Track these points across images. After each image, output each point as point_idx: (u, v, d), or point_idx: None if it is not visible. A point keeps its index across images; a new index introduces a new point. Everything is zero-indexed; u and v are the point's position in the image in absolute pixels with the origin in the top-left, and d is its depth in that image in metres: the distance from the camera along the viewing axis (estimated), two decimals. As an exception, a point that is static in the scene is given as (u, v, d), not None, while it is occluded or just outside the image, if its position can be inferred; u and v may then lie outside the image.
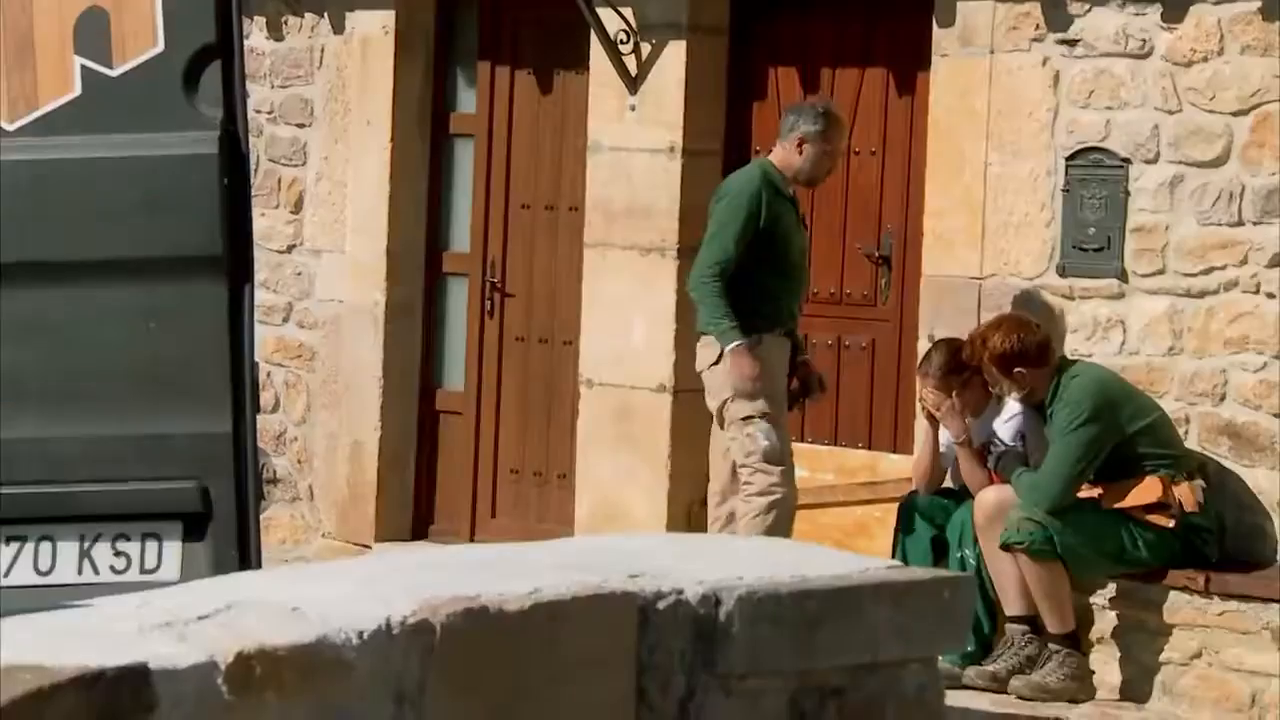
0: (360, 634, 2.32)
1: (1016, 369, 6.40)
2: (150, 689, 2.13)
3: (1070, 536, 6.29)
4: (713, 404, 6.66)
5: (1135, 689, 6.47)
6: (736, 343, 6.51)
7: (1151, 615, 6.45)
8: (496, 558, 2.66)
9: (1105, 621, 6.53)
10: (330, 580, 2.49)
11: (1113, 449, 6.35)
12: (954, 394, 6.63)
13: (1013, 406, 6.61)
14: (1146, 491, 6.37)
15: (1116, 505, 6.38)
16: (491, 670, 2.40)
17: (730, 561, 2.64)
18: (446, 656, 2.35)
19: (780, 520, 6.54)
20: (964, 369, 6.62)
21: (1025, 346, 6.40)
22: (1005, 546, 6.33)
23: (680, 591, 2.53)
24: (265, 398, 8.68)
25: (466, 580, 2.47)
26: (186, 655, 2.20)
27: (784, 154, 6.75)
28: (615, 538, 3.20)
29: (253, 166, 8.70)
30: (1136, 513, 6.38)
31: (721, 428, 6.68)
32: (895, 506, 7.15)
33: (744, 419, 6.54)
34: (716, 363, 6.57)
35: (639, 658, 2.49)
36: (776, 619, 2.55)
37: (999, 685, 6.38)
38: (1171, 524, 6.35)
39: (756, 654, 2.54)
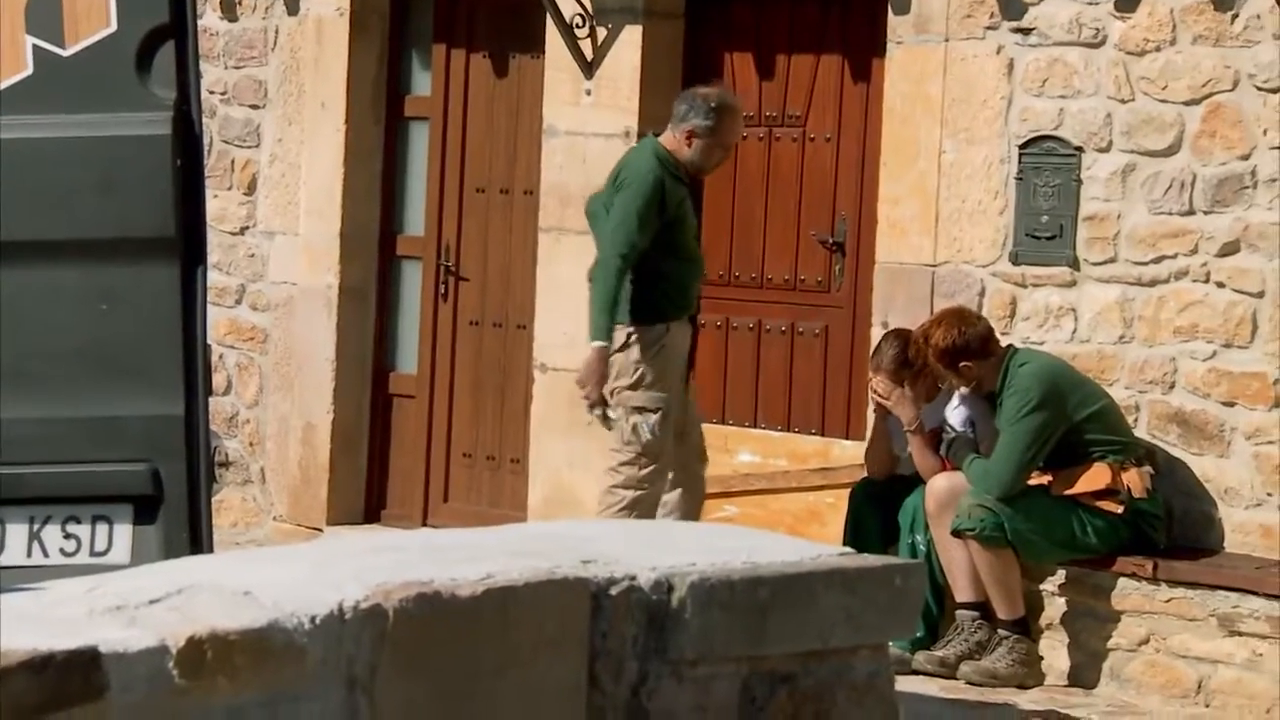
0: (312, 619, 2.31)
1: (962, 363, 6.44)
2: (100, 673, 2.13)
3: (1020, 523, 6.33)
4: (607, 385, 6.60)
5: (1083, 675, 6.51)
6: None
7: (1100, 602, 6.49)
8: (449, 543, 2.66)
9: (1054, 608, 6.57)
10: (283, 564, 2.48)
11: (1062, 436, 6.39)
12: (905, 384, 6.66)
13: (962, 393, 6.65)
14: (1095, 478, 6.41)
15: (1066, 492, 6.42)
16: (443, 655, 2.40)
17: (682, 548, 2.64)
18: (398, 641, 2.35)
19: (643, 516, 6.49)
20: (915, 361, 6.67)
21: (967, 340, 6.43)
22: (956, 533, 6.36)
23: (633, 578, 2.53)
24: (217, 380, 8.65)
25: (419, 565, 2.46)
26: (137, 639, 2.19)
27: (674, 142, 6.57)
28: (568, 524, 3.20)
29: (206, 148, 8.66)
30: (1086, 499, 6.43)
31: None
32: (847, 492, 7.18)
33: (635, 408, 6.50)
34: (621, 350, 6.51)
35: (591, 643, 2.50)
36: (728, 605, 2.56)
37: (948, 670, 6.41)
38: (1120, 510, 6.39)
39: (708, 640, 2.55)
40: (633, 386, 6.50)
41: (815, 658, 2.67)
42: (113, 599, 2.30)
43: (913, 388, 6.66)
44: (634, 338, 6.51)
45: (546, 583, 2.48)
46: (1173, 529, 6.55)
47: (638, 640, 2.53)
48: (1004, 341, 6.72)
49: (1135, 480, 6.37)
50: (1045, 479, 6.44)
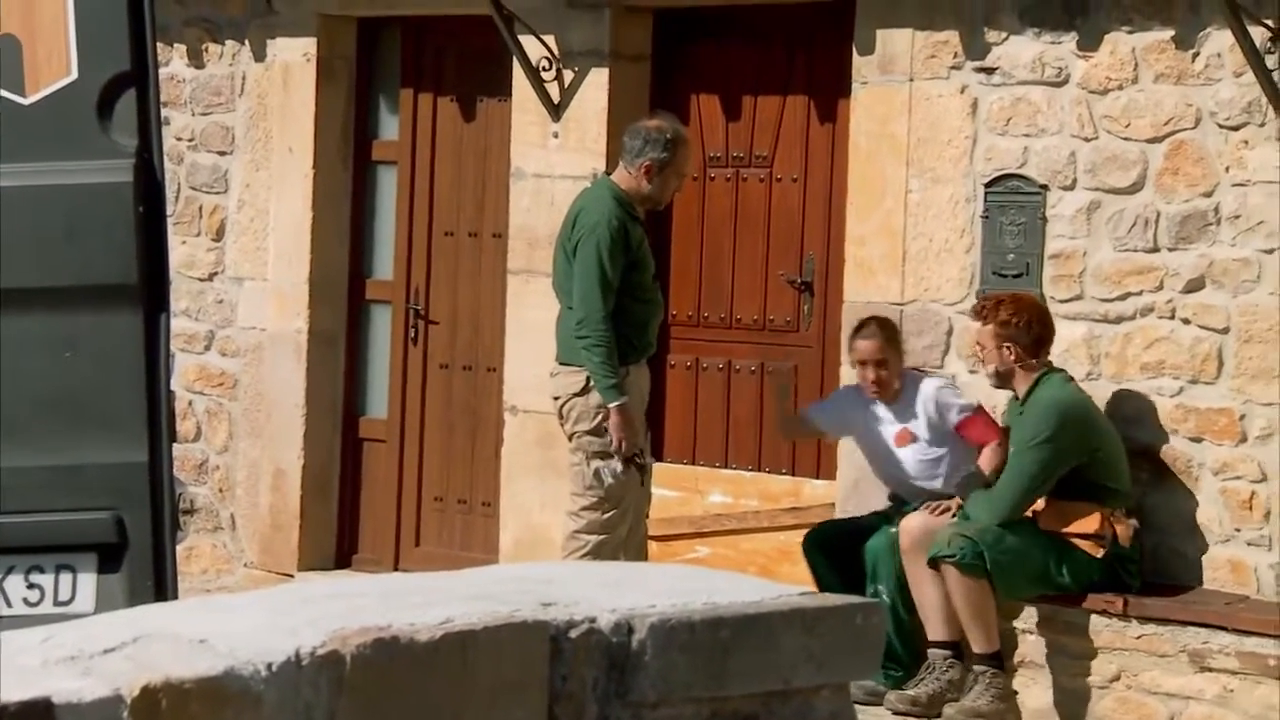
0: (269, 665, 2.30)
1: (1007, 344, 6.47)
2: (53, 724, 2.11)
3: (999, 553, 6.34)
4: (567, 428, 6.60)
5: (1054, 713, 6.51)
6: (622, 400, 6.44)
7: (1071, 638, 6.50)
8: (409, 588, 2.65)
9: (1026, 644, 6.57)
10: (240, 611, 2.47)
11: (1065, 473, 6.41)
12: (886, 358, 6.71)
13: (926, 390, 6.68)
14: (1083, 520, 6.43)
15: (1052, 528, 6.44)
16: (402, 701, 2.39)
17: (643, 590, 2.64)
18: (356, 687, 2.34)
19: (605, 560, 6.48)
20: (896, 339, 6.75)
21: (1028, 330, 6.44)
22: (934, 561, 6.36)
23: (593, 620, 2.52)
24: (187, 427, 8.62)
25: (378, 610, 2.45)
26: (91, 689, 2.18)
27: (630, 179, 6.58)
28: (529, 566, 3.19)
29: (173, 194, 8.67)
30: (1070, 539, 6.44)
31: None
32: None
33: (596, 452, 6.49)
34: (581, 394, 6.51)
35: (551, 686, 2.49)
36: (688, 646, 2.55)
37: (920, 710, 6.40)
38: (1100, 554, 6.41)
39: (669, 682, 2.54)
40: (594, 431, 6.50)
41: (778, 698, 2.66)
42: (67, 649, 2.29)
43: (889, 368, 6.70)
44: (593, 382, 6.50)
45: (505, 626, 2.47)
46: (1143, 565, 6.56)
47: (598, 683, 2.52)
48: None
49: (1123, 530, 6.41)
50: (1036, 507, 6.46)
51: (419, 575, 2.84)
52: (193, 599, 2.76)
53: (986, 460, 6.55)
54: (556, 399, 6.63)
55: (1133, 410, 6.68)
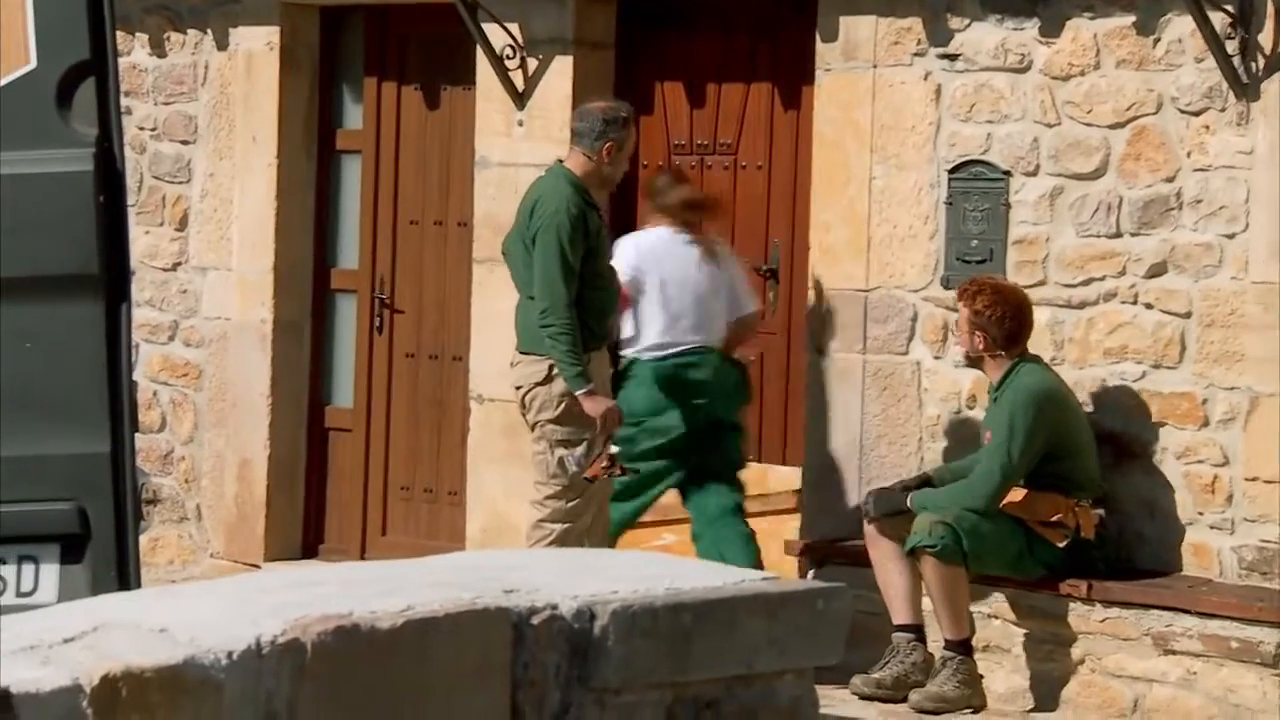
0: (229, 654, 2.30)
1: (979, 331, 6.48)
2: (12, 714, 2.11)
3: (976, 541, 6.36)
4: (530, 417, 6.58)
5: (1020, 696, 6.54)
6: (589, 387, 6.43)
7: (1037, 623, 6.53)
8: (371, 576, 2.65)
9: (992, 629, 6.60)
10: (200, 600, 2.47)
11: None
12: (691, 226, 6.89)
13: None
14: (1048, 507, 6.45)
15: (1018, 515, 6.46)
16: (363, 688, 2.39)
17: (605, 576, 2.64)
18: (317, 675, 2.34)
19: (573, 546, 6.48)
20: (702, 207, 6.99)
21: (1000, 324, 6.44)
22: (913, 551, 6.37)
23: (554, 606, 2.53)
24: (152, 417, 8.59)
25: (339, 599, 2.45)
26: (51, 679, 2.18)
27: (588, 164, 6.57)
28: (491, 554, 3.19)
29: (136, 184, 8.63)
30: (1034, 525, 6.47)
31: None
32: (784, 519, 7.20)
33: (559, 441, 6.48)
34: (544, 383, 6.50)
35: (513, 673, 2.49)
36: (650, 632, 2.56)
37: (885, 693, 6.43)
38: (1063, 544, 6.44)
39: (631, 667, 2.55)
40: (557, 420, 6.49)
41: (740, 682, 2.67)
42: (26, 639, 2.29)
43: (703, 230, 6.92)
44: (556, 370, 6.49)
45: (467, 613, 2.47)
46: (1108, 550, 6.59)
47: (560, 669, 2.53)
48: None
49: (1086, 521, 6.43)
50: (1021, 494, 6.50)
51: (380, 564, 2.84)
52: (153, 588, 2.76)
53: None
54: (519, 388, 6.62)
55: (1095, 396, 6.71)
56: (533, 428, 6.58)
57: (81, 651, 2.26)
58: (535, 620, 2.51)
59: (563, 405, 6.48)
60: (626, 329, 6.96)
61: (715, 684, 2.64)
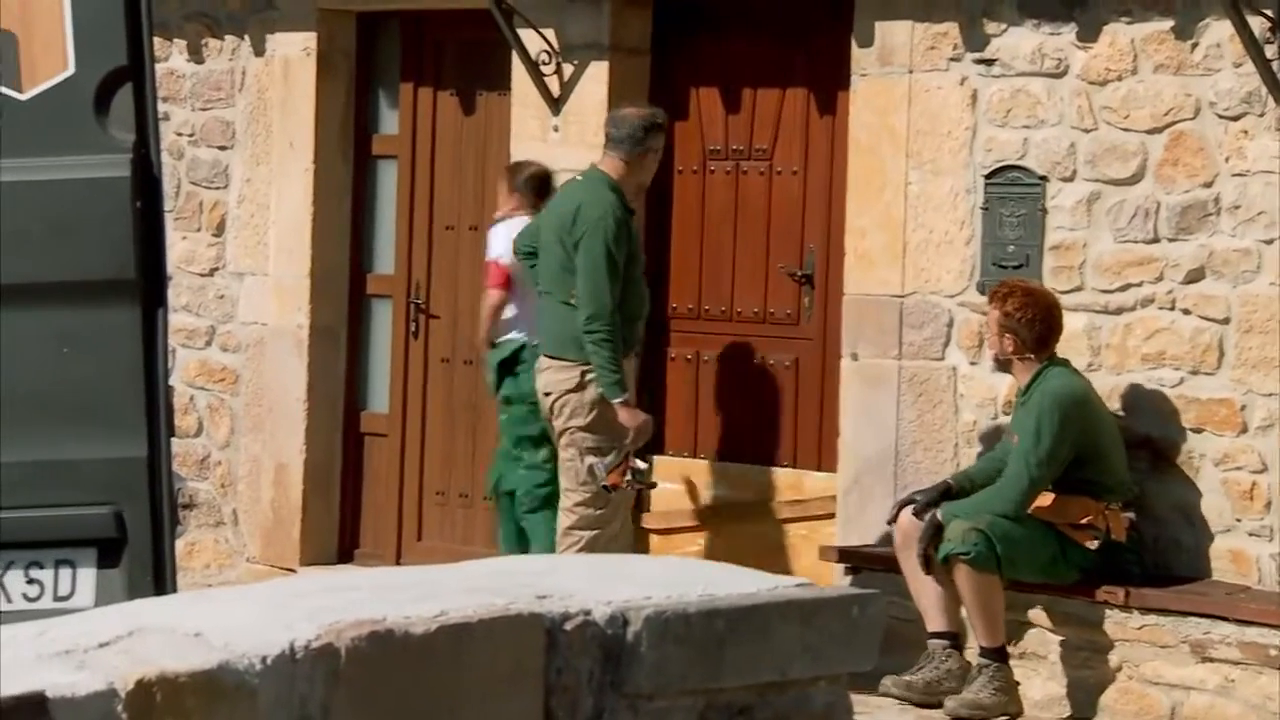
0: (263, 659, 2.30)
1: (1009, 334, 6.46)
2: (47, 718, 2.11)
3: (1010, 547, 6.33)
4: (558, 423, 6.59)
5: (1057, 703, 6.51)
6: (627, 395, 6.47)
7: (1073, 629, 6.50)
8: (404, 581, 2.65)
9: (1028, 636, 6.58)
10: (234, 605, 2.47)
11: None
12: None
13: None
14: (1078, 510, 6.43)
15: (1047, 518, 6.44)
16: (397, 694, 2.39)
17: (638, 581, 2.64)
18: (351, 680, 2.34)
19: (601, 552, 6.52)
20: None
21: (1031, 328, 6.42)
22: (947, 559, 6.35)
23: (588, 612, 2.52)
24: (189, 422, 8.62)
25: (372, 604, 2.46)
26: (85, 683, 2.18)
27: (627, 169, 6.64)
28: (524, 559, 3.19)
29: (174, 189, 8.66)
30: (1065, 529, 6.45)
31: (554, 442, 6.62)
32: (820, 524, 7.18)
33: (590, 449, 6.50)
34: (575, 389, 6.51)
35: (546, 679, 2.49)
36: (684, 638, 2.56)
37: (916, 695, 6.41)
38: (1094, 546, 6.41)
39: (664, 674, 2.54)
40: (588, 428, 6.49)
41: (773, 689, 2.66)
42: (62, 643, 2.29)
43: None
44: (589, 377, 6.49)
45: (500, 619, 2.47)
46: (1144, 557, 6.56)
47: (593, 675, 2.53)
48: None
49: (1117, 524, 6.41)
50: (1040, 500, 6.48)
51: (414, 568, 2.84)
52: (188, 593, 2.77)
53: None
54: (547, 395, 6.62)
55: (1133, 401, 6.68)
56: (560, 434, 6.58)
57: (116, 656, 2.26)
58: (568, 626, 2.51)
59: (595, 412, 6.48)
60: (508, 312, 7.07)
61: (749, 690, 2.63)
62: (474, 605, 2.48)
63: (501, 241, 7.12)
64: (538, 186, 7.20)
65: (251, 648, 2.31)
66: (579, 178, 6.81)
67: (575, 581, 2.64)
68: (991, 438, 6.91)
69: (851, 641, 2.73)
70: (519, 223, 7.15)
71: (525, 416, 6.84)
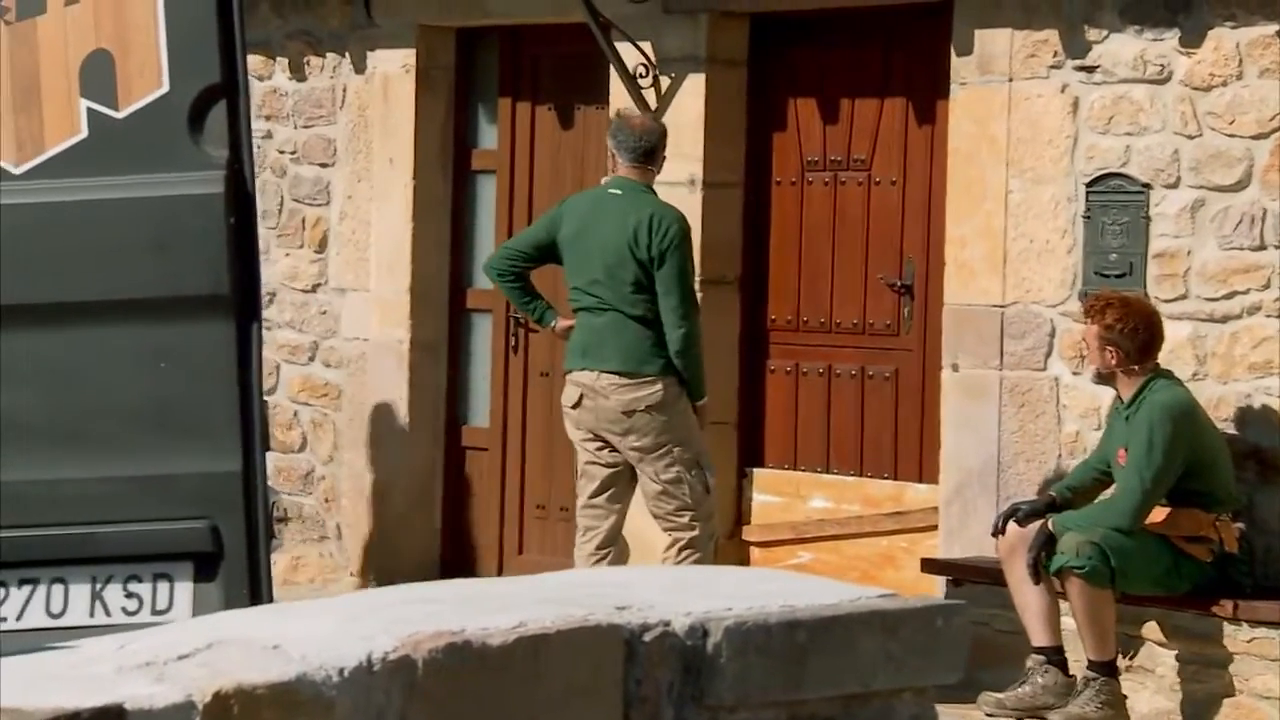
0: (341, 671, 2.31)
1: (1110, 347, 6.38)
2: (125, 728, 2.13)
3: (1124, 559, 6.25)
4: (645, 441, 6.56)
5: (1164, 718, 6.40)
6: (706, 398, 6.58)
7: (1182, 643, 6.39)
8: (483, 592, 2.65)
9: (1135, 649, 6.47)
10: (313, 617, 2.48)
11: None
12: None
13: None
14: (1190, 523, 6.33)
15: (1160, 531, 6.35)
16: (475, 705, 2.38)
17: (718, 593, 2.62)
18: (428, 692, 2.34)
19: (706, 559, 6.60)
20: None
21: (1132, 337, 6.34)
22: (1059, 572, 6.26)
23: (667, 623, 2.51)
24: (292, 437, 8.70)
25: (450, 615, 2.45)
26: (164, 695, 2.19)
27: (648, 178, 6.74)
28: (602, 571, 3.19)
29: (277, 207, 8.75)
30: (1178, 541, 6.35)
31: (632, 464, 6.61)
32: (922, 536, 7.12)
33: (689, 462, 6.53)
34: (659, 406, 6.52)
35: (625, 691, 2.48)
36: (765, 650, 2.53)
37: (1008, 713, 6.33)
38: (1209, 559, 6.31)
39: (745, 685, 2.52)
40: (683, 441, 6.53)
41: (857, 701, 2.64)
42: (142, 655, 2.31)
43: None
44: (672, 390, 6.55)
45: (579, 630, 2.46)
46: (1255, 569, 6.44)
47: (673, 687, 2.51)
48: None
49: (1229, 535, 6.31)
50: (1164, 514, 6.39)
51: (493, 580, 2.84)
52: (267, 605, 2.78)
53: None
54: (628, 413, 6.59)
55: (1240, 411, 6.56)
56: (649, 452, 6.56)
57: (195, 668, 2.27)
58: (647, 637, 2.49)
59: (682, 424, 6.52)
60: None
61: (832, 702, 2.61)
62: (552, 616, 2.47)
63: None
64: None
65: (329, 659, 2.31)
66: (616, 191, 6.77)
67: (654, 592, 2.62)
68: (1094, 449, 6.81)
69: (936, 653, 2.69)
70: None
71: None
